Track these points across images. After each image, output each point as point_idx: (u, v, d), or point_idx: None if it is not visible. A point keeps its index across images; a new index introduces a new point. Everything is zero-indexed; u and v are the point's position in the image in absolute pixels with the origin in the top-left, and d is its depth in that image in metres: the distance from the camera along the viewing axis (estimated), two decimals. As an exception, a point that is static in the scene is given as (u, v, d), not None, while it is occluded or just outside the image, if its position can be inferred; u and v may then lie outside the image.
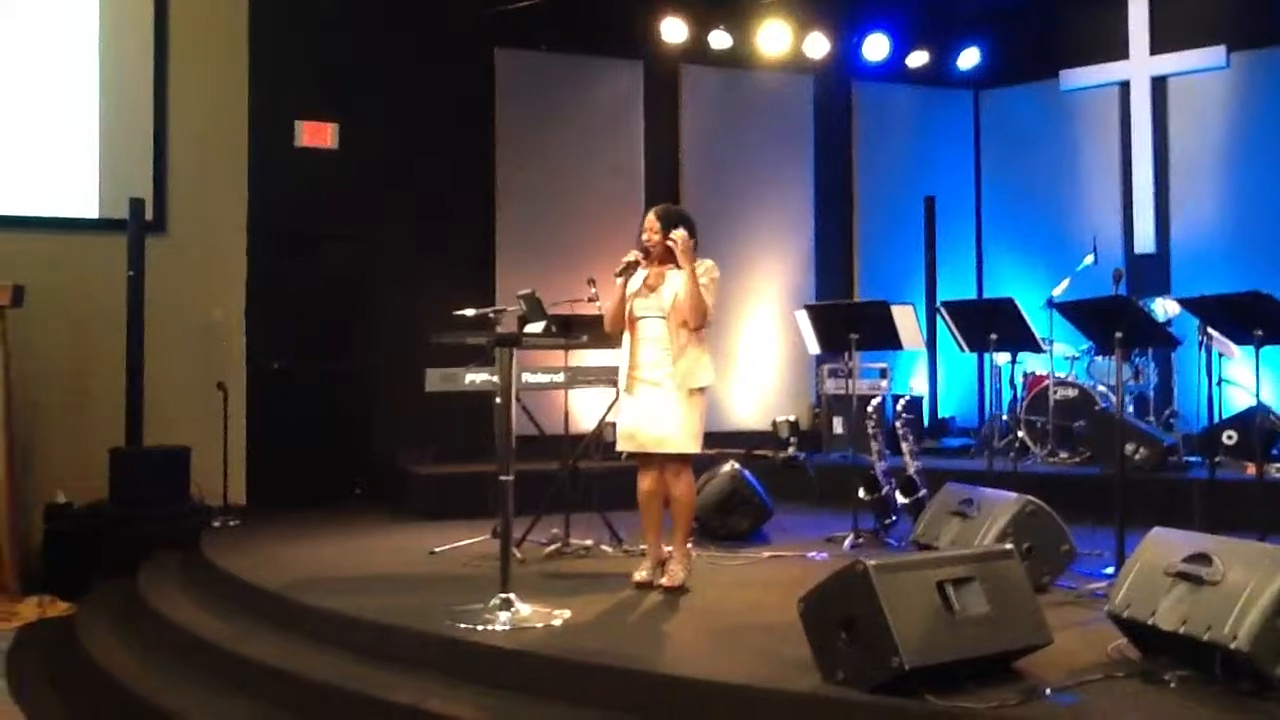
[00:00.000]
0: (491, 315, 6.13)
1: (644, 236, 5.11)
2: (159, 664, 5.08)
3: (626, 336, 5.15)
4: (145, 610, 5.74)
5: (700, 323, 5.00)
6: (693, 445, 5.03)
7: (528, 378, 6.52)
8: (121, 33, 8.35)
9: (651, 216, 5.13)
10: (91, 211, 8.26)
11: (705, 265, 5.07)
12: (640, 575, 5.15)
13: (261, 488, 8.22)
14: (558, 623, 4.46)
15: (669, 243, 5.00)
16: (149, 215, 8.04)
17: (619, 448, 5.19)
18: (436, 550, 6.12)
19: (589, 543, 6.15)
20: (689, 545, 5.27)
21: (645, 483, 5.19)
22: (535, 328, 5.73)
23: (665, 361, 5.01)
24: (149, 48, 8.40)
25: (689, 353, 5.01)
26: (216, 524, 7.21)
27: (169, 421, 7.85)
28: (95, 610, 6.21)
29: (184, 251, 8.33)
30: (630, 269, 5.04)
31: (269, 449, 8.33)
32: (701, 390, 5.04)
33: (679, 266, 5.03)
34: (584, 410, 7.84)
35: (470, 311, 6.00)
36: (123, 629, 5.73)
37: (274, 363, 8.52)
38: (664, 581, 5.06)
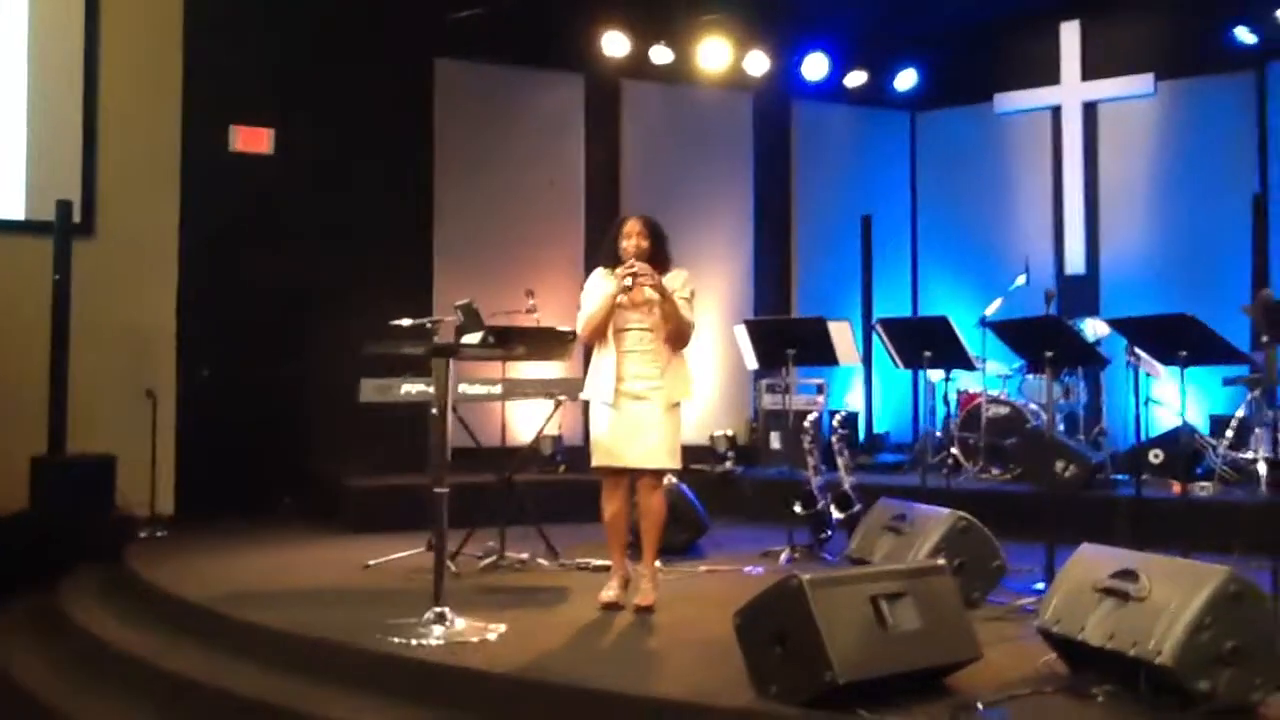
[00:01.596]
0: (428, 325, 6.09)
1: (626, 244, 4.95)
2: (80, 680, 4.95)
3: (608, 349, 4.98)
4: (66, 624, 5.58)
5: (683, 341, 4.98)
6: (674, 461, 4.99)
7: (464, 389, 6.46)
8: (51, 31, 8.18)
9: (636, 223, 5.00)
10: (17, 213, 8.06)
11: (684, 276, 5.02)
12: (608, 595, 5.02)
13: (190, 498, 8.05)
14: (493, 637, 4.42)
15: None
16: (77, 218, 7.88)
17: (595, 463, 5.03)
18: (370, 563, 6.04)
19: (525, 556, 6.11)
20: (657, 561, 5.17)
21: (613, 503, 5.06)
22: (472, 339, 5.68)
23: (653, 375, 4.92)
24: (79, 46, 8.22)
25: (674, 365, 4.97)
26: (143, 535, 7.05)
27: (95, 429, 7.67)
28: (13, 624, 6.02)
29: (113, 255, 8.15)
30: (629, 286, 4.86)
31: (199, 458, 8.16)
32: (681, 404, 5.01)
33: (662, 274, 4.97)
34: (521, 423, 7.81)
35: (407, 321, 5.95)
36: (42, 643, 5.57)
37: (203, 370, 8.36)
38: (639, 601, 4.95)
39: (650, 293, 4.92)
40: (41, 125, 8.13)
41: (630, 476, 5.04)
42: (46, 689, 4.88)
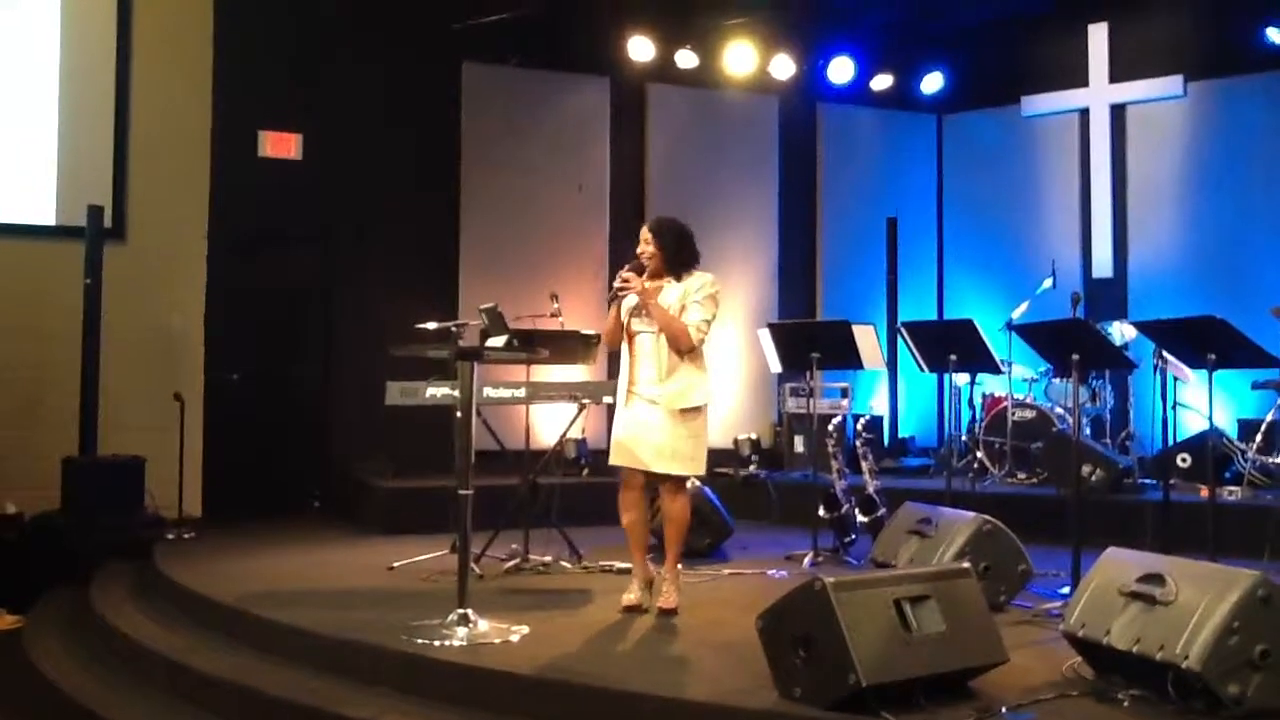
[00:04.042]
0: (453, 329, 6.12)
1: (639, 250, 5.00)
2: (109, 677, 5.00)
3: (624, 353, 5.06)
4: (96, 623, 5.65)
5: (683, 348, 4.89)
6: (687, 467, 4.93)
7: (489, 392, 6.48)
8: (83, 38, 8.27)
9: (646, 230, 5.02)
10: (49, 218, 8.16)
11: (703, 280, 4.98)
12: (630, 598, 5.00)
13: (218, 499, 8.13)
14: (516, 639, 4.43)
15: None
16: (108, 223, 7.96)
17: (611, 461, 5.06)
18: (395, 565, 6.07)
19: (548, 558, 6.11)
20: (679, 566, 5.17)
21: (628, 504, 5.04)
22: (497, 342, 5.71)
23: (658, 378, 4.91)
24: (111, 54, 8.32)
25: (681, 371, 4.90)
26: (171, 536, 7.11)
27: (124, 431, 7.75)
28: (45, 623, 6.10)
29: (143, 260, 8.24)
30: (619, 296, 4.92)
31: (226, 460, 8.23)
32: (696, 410, 4.92)
33: (677, 279, 4.97)
34: (545, 425, 7.83)
35: (432, 325, 5.98)
36: (73, 642, 5.64)
37: (232, 373, 8.44)
38: (661, 604, 4.95)
39: (667, 302, 4.91)
40: (73, 131, 8.22)
41: (647, 479, 5.02)
42: (76, 685, 4.93)
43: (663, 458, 4.89)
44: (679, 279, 4.98)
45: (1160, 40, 9.41)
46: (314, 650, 4.52)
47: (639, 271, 4.96)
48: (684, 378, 4.91)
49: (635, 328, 5.00)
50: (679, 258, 5.00)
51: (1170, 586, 3.50)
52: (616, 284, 4.91)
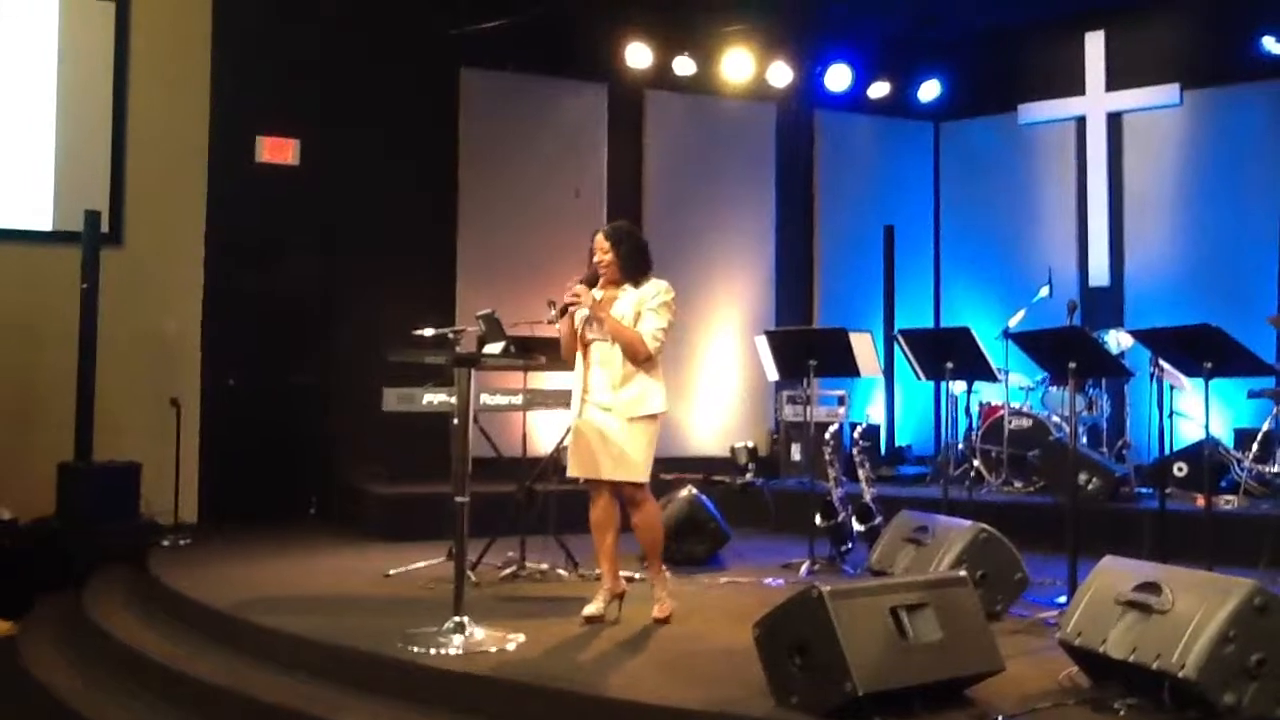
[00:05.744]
0: (450, 335, 6.10)
1: (595, 258, 4.98)
2: (104, 684, 4.99)
3: (580, 360, 5.02)
4: (90, 629, 5.63)
5: (639, 357, 4.83)
6: (634, 473, 4.86)
7: (485, 399, 6.48)
8: (81, 43, 8.27)
9: (600, 237, 4.98)
10: (46, 224, 8.15)
11: (657, 288, 4.93)
12: (590, 610, 4.92)
13: (214, 505, 8.12)
14: (512, 646, 4.43)
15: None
16: (105, 228, 7.95)
17: (569, 473, 5.07)
18: (391, 572, 6.06)
19: (544, 566, 6.11)
20: (664, 570, 5.13)
21: (595, 512, 5.01)
22: (494, 348, 5.70)
23: (612, 388, 4.87)
24: (108, 59, 8.32)
25: (637, 379, 4.86)
26: (166, 542, 7.09)
27: (120, 436, 7.73)
28: (39, 629, 6.09)
29: (140, 265, 8.24)
30: (563, 311, 4.89)
31: (222, 466, 8.22)
32: (652, 418, 4.89)
33: (634, 285, 4.93)
34: (541, 432, 7.82)
35: (429, 331, 5.96)
36: (67, 648, 5.63)
37: (229, 378, 8.43)
38: (655, 614, 4.92)
39: (622, 310, 4.87)
40: (70, 137, 8.21)
41: (613, 488, 4.95)
42: (70, 692, 4.92)
43: (617, 468, 4.84)
44: (635, 285, 4.94)
45: (1157, 49, 9.44)
46: (309, 657, 4.51)
47: (590, 282, 4.94)
48: (639, 386, 4.87)
49: (589, 336, 4.96)
50: (634, 265, 4.96)
51: (1166, 595, 3.50)
52: (566, 298, 4.86)
